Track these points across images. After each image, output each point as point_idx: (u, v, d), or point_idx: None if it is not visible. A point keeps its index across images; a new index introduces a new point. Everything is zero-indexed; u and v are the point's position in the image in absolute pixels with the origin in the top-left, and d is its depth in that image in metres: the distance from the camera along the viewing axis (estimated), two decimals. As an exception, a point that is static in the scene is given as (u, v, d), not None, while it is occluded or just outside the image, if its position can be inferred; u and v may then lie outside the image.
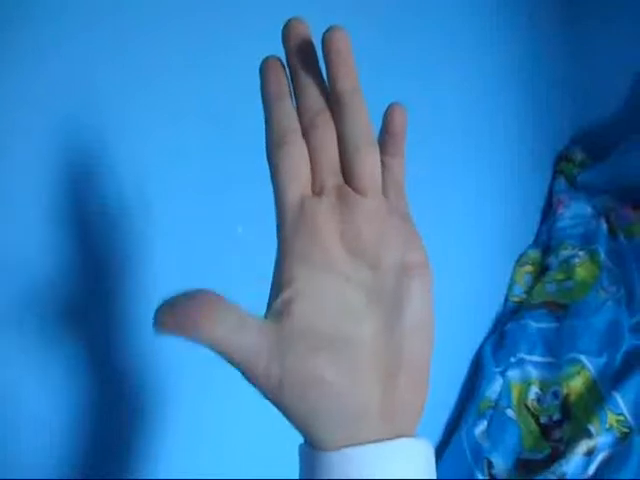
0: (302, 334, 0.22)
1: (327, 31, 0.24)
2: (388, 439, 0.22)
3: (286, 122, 0.24)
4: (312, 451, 0.23)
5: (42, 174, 0.36)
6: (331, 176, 0.24)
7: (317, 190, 0.24)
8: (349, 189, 0.24)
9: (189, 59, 0.45)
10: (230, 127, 0.48)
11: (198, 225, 0.46)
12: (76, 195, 0.39)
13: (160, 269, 0.44)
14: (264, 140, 0.25)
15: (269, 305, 0.23)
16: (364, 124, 0.24)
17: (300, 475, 0.24)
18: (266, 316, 0.23)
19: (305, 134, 0.25)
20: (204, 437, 0.48)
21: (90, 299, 0.40)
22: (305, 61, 0.25)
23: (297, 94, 0.25)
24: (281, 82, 0.25)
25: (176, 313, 0.21)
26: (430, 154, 0.81)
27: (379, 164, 0.24)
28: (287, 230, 0.24)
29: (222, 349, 0.22)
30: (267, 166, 0.25)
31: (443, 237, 0.86)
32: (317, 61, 0.25)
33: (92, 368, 0.40)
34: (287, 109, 0.25)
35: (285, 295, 0.23)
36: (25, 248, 0.35)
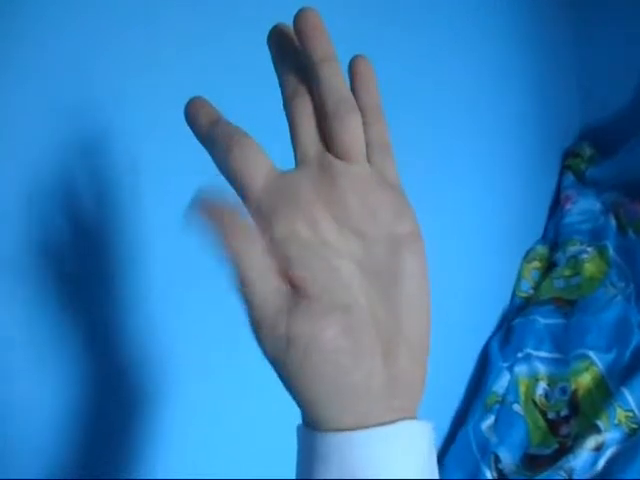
0: (312, 300, 0.22)
1: (298, 12, 0.24)
2: (390, 422, 0.22)
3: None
4: (311, 432, 0.22)
5: (39, 161, 0.36)
6: (310, 147, 0.23)
7: (298, 164, 0.24)
8: (331, 156, 0.23)
9: (187, 54, 0.45)
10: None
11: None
12: (76, 189, 0.39)
13: (160, 262, 0.44)
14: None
15: None
16: (341, 90, 0.23)
17: (297, 457, 0.23)
18: None
19: (287, 112, 0.24)
20: (202, 436, 0.47)
21: (88, 293, 0.40)
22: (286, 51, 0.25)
23: (280, 81, 0.25)
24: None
25: (221, 212, 0.22)
26: (438, 150, 0.81)
27: (361, 128, 0.23)
28: (267, 214, 0.22)
29: (246, 280, 0.22)
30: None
31: (450, 233, 0.86)
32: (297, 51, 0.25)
33: (88, 366, 0.39)
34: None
35: (289, 268, 0.22)
36: (21, 239, 0.35)
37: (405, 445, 0.22)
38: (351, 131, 0.23)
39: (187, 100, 0.24)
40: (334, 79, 0.23)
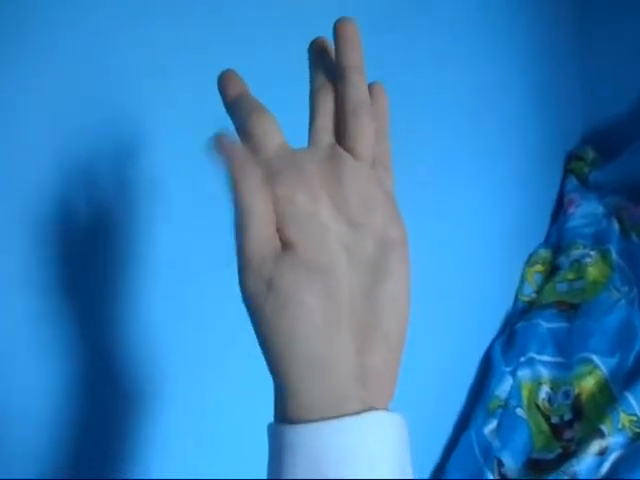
0: (300, 257, 0.23)
1: (339, 19, 0.26)
2: (361, 411, 0.22)
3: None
4: (280, 426, 0.23)
5: (47, 157, 0.36)
6: (325, 135, 0.25)
7: (309, 146, 0.25)
8: (341, 149, 0.25)
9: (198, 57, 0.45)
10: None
11: (203, 217, 0.46)
12: (79, 190, 0.39)
13: (161, 263, 0.44)
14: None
15: None
16: (363, 96, 0.25)
17: (269, 454, 0.23)
18: None
19: (312, 99, 0.26)
20: (197, 436, 0.47)
21: (87, 294, 0.40)
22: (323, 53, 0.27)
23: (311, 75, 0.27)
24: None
25: (238, 153, 0.23)
26: (439, 154, 0.81)
27: (373, 132, 0.25)
28: (272, 175, 0.24)
29: (247, 219, 0.23)
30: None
31: (453, 236, 0.86)
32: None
33: (85, 366, 0.39)
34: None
35: (283, 230, 0.23)
36: (24, 232, 0.35)
37: (374, 436, 0.22)
38: (365, 130, 0.25)
39: (221, 71, 0.26)
40: (359, 85, 0.25)
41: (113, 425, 0.42)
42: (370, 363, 0.23)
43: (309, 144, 0.25)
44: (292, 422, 0.22)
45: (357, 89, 0.25)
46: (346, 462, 0.21)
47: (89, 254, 0.40)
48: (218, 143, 0.24)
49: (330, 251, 0.23)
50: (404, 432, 0.23)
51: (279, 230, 0.24)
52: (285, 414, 0.23)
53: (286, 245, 0.23)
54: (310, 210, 0.23)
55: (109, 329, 0.41)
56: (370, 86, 0.27)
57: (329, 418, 0.22)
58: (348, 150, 0.24)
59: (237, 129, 0.25)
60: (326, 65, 0.27)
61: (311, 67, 0.27)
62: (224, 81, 0.26)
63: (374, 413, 0.22)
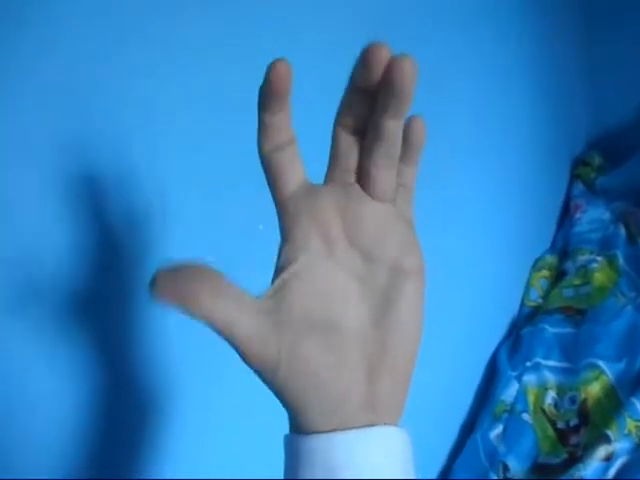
0: (297, 314, 0.23)
1: (404, 59, 0.21)
2: (369, 426, 0.23)
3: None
4: (295, 437, 0.24)
5: (53, 163, 0.36)
6: (345, 174, 0.25)
7: (328, 182, 0.25)
8: (361, 191, 0.25)
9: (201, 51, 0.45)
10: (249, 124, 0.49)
11: (218, 224, 0.47)
12: (92, 191, 0.39)
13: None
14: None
15: (268, 287, 0.24)
16: (394, 151, 0.24)
17: (285, 464, 0.25)
18: (264, 297, 0.24)
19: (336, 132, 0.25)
20: (211, 437, 0.47)
21: (102, 297, 0.40)
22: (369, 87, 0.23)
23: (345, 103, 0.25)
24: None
25: (177, 282, 0.21)
26: (446, 159, 0.81)
27: (394, 175, 0.25)
28: (289, 217, 0.25)
29: (220, 326, 0.22)
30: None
31: (459, 241, 0.86)
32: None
33: (98, 366, 0.40)
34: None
35: (283, 276, 0.24)
36: (35, 240, 0.36)
37: (383, 447, 0.24)
38: (385, 178, 0.24)
39: (274, 60, 0.23)
40: (395, 141, 0.24)
41: (126, 438, 0.43)
42: (379, 389, 0.24)
43: (328, 178, 0.25)
44: (304, 433, 0.24)
45: (390, 146, 0.24)
46: (356, 470, 0.23)
47: (103, 271, 0.40)
48: (162, 289, 0.21)
49: (335, 289, 0.24)
50: (408, 446, 0.25)
51: (279, 273, 0.24)
52: (297, 427, 0.24)
53: (282, 299, 0.23)
54: (322, 251, 0.24)
55: (123, 345, 0.42)
56: (409, 118, 0.26)
57: (339, 430, 0.23)
58: (366, 190, 0.24)
59: (260, 156, 0.25)
60: (367, 85, 0.23)
61: (352, 79, 0.23)
62: (273, 75, 0.23)
63: (379, 427, 0.24)
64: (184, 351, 0.45)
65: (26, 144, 0.35)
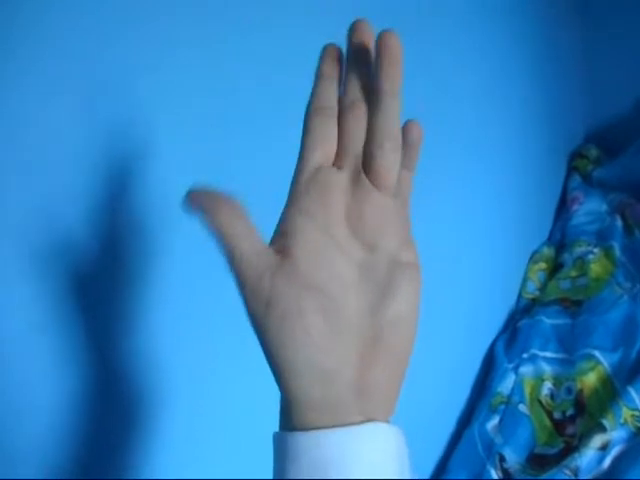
0: (302, 270, 0.24)
1: (385, 33, 0.25)
2: (360, 422, 0.23)
3: (326, 97, 0.27)
4: (283, 434, 0.24)
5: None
6: (353, 160, 0.25)
7: (337, 167, 0.26)
8: (366, 180, 0.25)
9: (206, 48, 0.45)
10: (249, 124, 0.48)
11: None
12: (91, 191, 0.39)
13: (169, 271, 0.44)
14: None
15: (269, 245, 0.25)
16: (394, 127, 0.25)
17: (274, 461, 0.24)
18: (272, 243, 0.25)
19: (340, 117, 0.26)
20: (201, 434, 0.48)
21: (95, 297, 0.40)
22: (360, 59, 0.26)
23: (345, 83, 0.27)
24: (334, 66, 0.27)
25: (206, 197, 0.25)
26: (444, 152, 0.81)
27: (398, 167, 0.25)
28: (299, 186, 0.25)
29: (230, 245, 0.24)
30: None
31: (456, 234, 0.86)
32: (370, 62, 0.26)
33: (92, 367, 0.40)
34: (330, 88, 0.27)
35: (287, 241, 0.24)
36: (34, 244, 0.36)
37: (373, 445, 0.23)
38: (390, 167, 0.25)
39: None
40: (393, 115, 0.25)
41: (118, 434, 0.43)
42: (372, 377, 0.24)
43: (338, 163, 0.26)
44: (293, 430, 0.23)
45: (390, 120, 0.25)
46: (343, 468, 0.22)
47: (98, 266, 0.40)
48: (192, 198, 0.25)
49: (335, 270, 0.24)
50: (402, 444, 0.24)
51: (283, 236, 0.25)
52: (287, 423, 0.24)
53: (286, 255, 0.24)
54: (326, 230, 0.24)
55: (115, 340, 0.42)
56: (406, 122, 0.27)
57: (326, 427, 0.23)
58: (371, 180, 0.25)
59: (308, 102, 0.27)
60: (363, 65, 0.26)
61: (348, 60, 0.27)
62: (324, 53, 0.27)
63: (371, 424, 0.23)
64: (176, 354, 0.45)
65: (26, 144, 0.35)
